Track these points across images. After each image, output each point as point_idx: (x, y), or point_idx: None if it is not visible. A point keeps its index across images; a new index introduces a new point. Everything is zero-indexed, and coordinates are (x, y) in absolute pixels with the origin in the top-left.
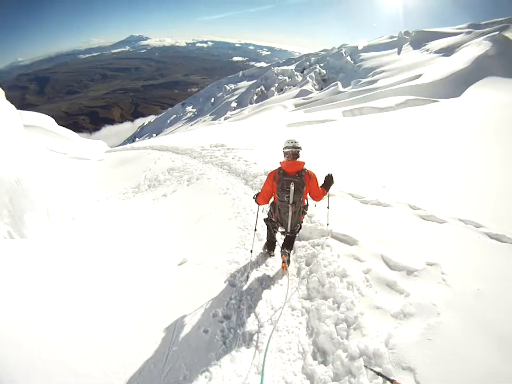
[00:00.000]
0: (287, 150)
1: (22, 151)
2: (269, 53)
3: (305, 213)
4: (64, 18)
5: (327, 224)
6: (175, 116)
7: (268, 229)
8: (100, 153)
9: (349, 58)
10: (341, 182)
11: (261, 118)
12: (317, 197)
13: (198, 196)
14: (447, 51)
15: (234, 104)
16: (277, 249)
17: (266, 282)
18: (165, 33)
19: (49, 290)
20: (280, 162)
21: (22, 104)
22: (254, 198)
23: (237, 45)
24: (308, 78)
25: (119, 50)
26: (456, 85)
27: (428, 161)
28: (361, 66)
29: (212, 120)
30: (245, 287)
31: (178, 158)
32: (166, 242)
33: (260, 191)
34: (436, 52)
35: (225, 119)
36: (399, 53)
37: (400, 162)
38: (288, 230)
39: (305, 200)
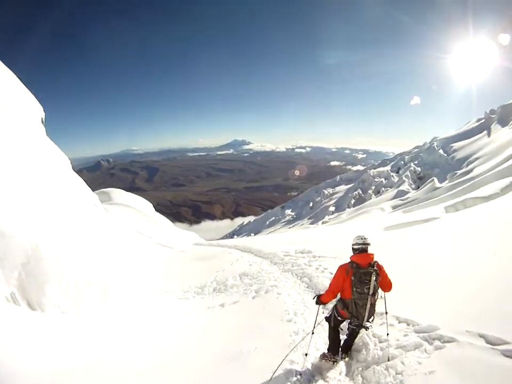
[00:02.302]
0: (357, 246)
1: (62, 221)
2: (364, 155)
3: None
4: (176, 120)
5: (387, 334)
6: (274, 218)
7: (333, 328)
8: (186, 244)
9: (441, 151)
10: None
11: (357, 222)
12: (388, 287)
13: (256, 316)
14: None
15: (332, 209)
16: None
17: None
18: (266, 139)
19: None
20: (351, 256)
21: (131, 187)
22: (314, 298)
23: (333, 149)
24: (403, 178)
25: (224, 152)
26: None
27: None
28: (454, 157)
29: (309, 224)
30: None
31: (258, 262)
32: None
33: (322, 293)
34: None
35: (322, 223)
36: (489, 135)
37: None
38: (364, 322)
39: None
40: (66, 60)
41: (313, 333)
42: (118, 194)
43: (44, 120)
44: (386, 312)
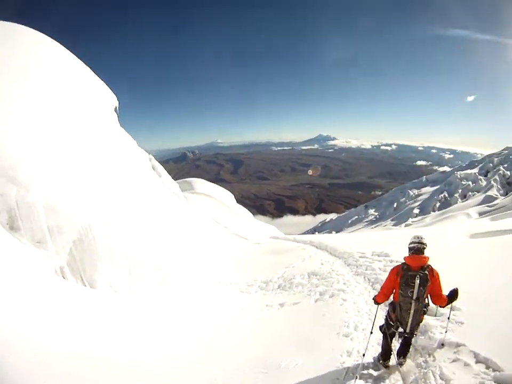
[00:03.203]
0: (412, 245)
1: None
2: (451, 156)
3: (425, 312)
4: (261, 114)
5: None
6: (356, 216)
7: (384, 336)
8: (263, 237)
9: None
10: None
11: (441, 227)
12: (437, 299)
13: (311, 323)
14: None
15: (416, 211)
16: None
17: None
18: (351, 135)
19: None
20: (404, 257)
21: (216, 178)
22: (373, 298)
23: (419, 148)
24: (492, 182)
25: (308, 147)
26: None
27: None
28: None
29: (392, 226)
30: None
31: (331, 261)
32: None
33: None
34: None
35: (405, 225)
36: None
37: None
38: (408, 330)
39: (426, 299)
40: (153, 49)
41: (371, 333)
42: (200, 184)
43: (117, 108)
44: (446, 332)
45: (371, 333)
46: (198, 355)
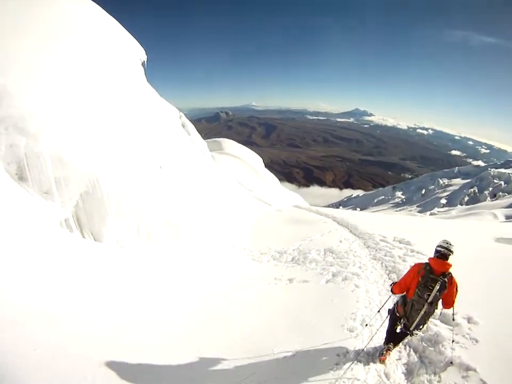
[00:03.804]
0: (439, 249)
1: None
2: (488, 151)
3: (432, 315)
4: (300, 81)
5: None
6: (383, 197)
7: (390, 319)
8: (287, 205)
9: None
10: None
11: (467, 223)
12: (449, 304)
13: (316, 309)
14: None
15: (443, 201)
16: None
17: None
18: (388, 113)
19: None
20: (429, 258)
21: (247, 141)
22: (390, 285)
23: (456, 137)
24: None
25: (344, 120)
26: None
27: None
28: None
29: (417, 212)
30: None
31: (350, 239)
32: None
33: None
34: None
35: (430, 214)
36: None
37: None
38: (412, 328)
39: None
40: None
41: (379, 311)
42: (229, 145)
43: (145, 62)
44: (453, 341)
45: (378, 311)
46: (188, 326)
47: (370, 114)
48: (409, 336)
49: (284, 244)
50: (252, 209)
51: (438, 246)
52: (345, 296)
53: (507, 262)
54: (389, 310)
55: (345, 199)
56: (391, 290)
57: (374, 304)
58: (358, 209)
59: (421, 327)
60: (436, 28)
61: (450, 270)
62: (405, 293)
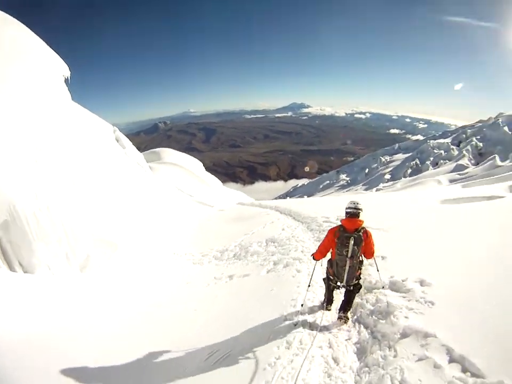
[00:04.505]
0: (349, 210)
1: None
2: (425, 125)
3: (361, 269)
4: (234, 82)
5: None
6: (328, 181)
7: (327, 287)
8: (230, 204)
9: (506, 128)
10: None
11: (412, 192)
12: (369, 255)
13: (256, 300)
14: None
15: (388, 176)
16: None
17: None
18: (325, 103)
19: None
20: (341, 220)
21: (188, 147)
22: (312, 255)
23: (394, 117)
24: (464, 152)
25: (282, 115)
26: None
27: None
28: None
29: (363, 190)
30: None
31: (293, 226)
32: None
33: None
34: None
35: (377, 190)
36: None
37: None
38: (344, 283)
39: (361, 257)
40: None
41: (309, 286)
42: (168, 154)
43: (69, 79)
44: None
45: (308, 286)
46: (112, 346)
47: (308, 106)
48: (353, 295)
49: (226, 242)
50: (194, 214)
51: (346, 208)
52: (286, 282)
53: (454, 220)
54: (323, 279)
55: (291, 190)
56: (313, 258)
57: (317, 286)
58: (305, 196)
59: (354, 280)
60: (359, 16)
61: (364, 225)
62: (330, 257)
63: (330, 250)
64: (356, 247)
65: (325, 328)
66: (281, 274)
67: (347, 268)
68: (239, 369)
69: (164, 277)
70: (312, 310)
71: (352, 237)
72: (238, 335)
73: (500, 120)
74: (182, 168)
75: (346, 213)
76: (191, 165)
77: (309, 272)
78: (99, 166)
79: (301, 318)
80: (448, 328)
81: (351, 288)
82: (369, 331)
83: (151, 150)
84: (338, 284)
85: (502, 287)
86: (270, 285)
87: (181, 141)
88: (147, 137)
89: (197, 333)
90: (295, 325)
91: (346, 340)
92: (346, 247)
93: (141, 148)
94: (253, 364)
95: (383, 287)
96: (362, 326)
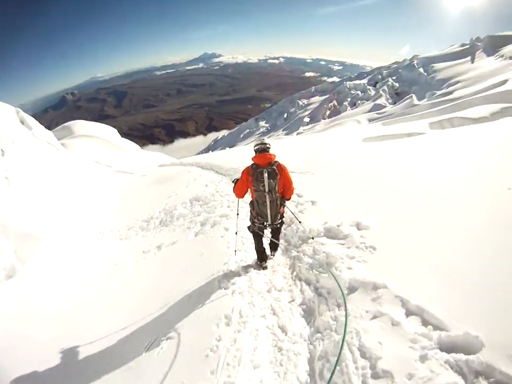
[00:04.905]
0: (257, 147)
1: None
2: (340, 67)
3: (284, 205)
4: (140, 38)
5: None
6: (248, 130)
7: (254, 236)
8: (151, 167)
9: (421, 70)
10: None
11: (333, 133)
12: (289, 190)
13: (186, 270)
14: None
15: (307, 119)
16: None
17: None
18: (237, 50)
19: None
20: (252, 158)
21: (100, 115)
22: (233, 186)
23: (308, 60)
24: (380, 92)
25: (193, 67)
26: None
27: None
28: (434, 77)
29: (284, 135)
30: None
31: (216, 181)
32: None
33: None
34: None
35: (297, 134)
36: (472, 61)
37: None
38: (270, 221)
39: (280, 192)
40: None
41: (236, 233)
42: (80, 126)
43: None
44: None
45: (236, 233)
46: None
47: (219, 55)
48: (280, 232)
49: (150, 209)
50: (115, 185)
51: (254, 147)
52: (215, 244)
53: (377, 157)
54: (248, 227)
55: (212, 143)
56: (234, 192)
57: (248, 243)
58: (227, 148)
59: (279, 217)
60: None
61: (276, 160)
62: (250, 199)
63: (249, 191)
64: (271, 180)
65: (264, 291)
66: (210, 236)
67: (268, 203)
68: (178, 362)
69: (91, 262)
70: (246, 271)
71: (265, 170)
72: (173, 316)
73: (415, 62)
74: (96, 138)
75: (255, 150)
76: (106, 133)
77: (239, 229)
78: (4, 154)
79: (236, 285)
80: (397, 276)
81: (277, 226)
82: (312, 288)
83: (62, 125)
84: (265, 224)
85: (445, 223)
86: (200, 249)
87: (92, 110)
88: (56, 113)
89: (127, 320)
90: (231, 293)
91: (289, 302)
92: (262, 182)
93: (52, 125)
94: (194, 352)
95: (313, 238)
96: (304, 283)
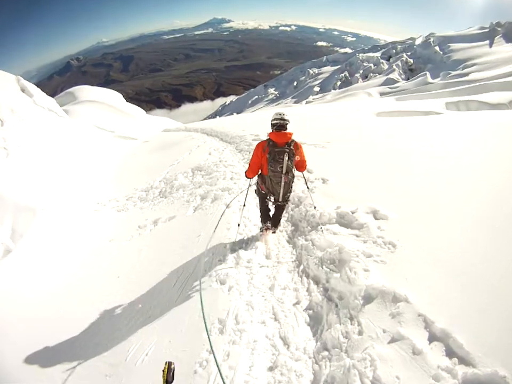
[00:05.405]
0: (275, 121)
1: None
2: (354, 39)
3: (293, 182)
4: (148, 2)
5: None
6: (256, 96)
7: (260, 200)
8: (155, 132)
9: (437, 48)
10: None
11: (344, 104)
12: (302, 167)
13: (181, 254)
14: None
15: (317, 89)
16: None
17: None
18: (248, 16)
19: None
20: (269, 133)
21: (106, 80)
22: (245, 173)
23: (321, 30)
24: (394, 67)
25: (202, 32)
26: None
27: None
28: (450, 57)
29: (293, 103)
30: None
31: (220, 149)
32: None
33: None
34: None
35: (306, 103)
36: (490, 45)
37: None
38: (280, 199)
39: (293, 170)
40: None
41: (244, 205)
42: (83, 91)
43: None
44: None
45: (244, 205)
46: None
47: (229, 21)
48: (284, 209)
49: (151, 177)
50: (116, 151)
51: (272, 120)
52: (215, 224)
53: (393, 134)
54: (255, 191)
55: (219, 108)
56: (246, 176)
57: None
58: (235, 114)
59: (289, 194)
60: None
61: (293, 138)
62: (260, 172)
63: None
64: (289, 162)
65: (266, 288)
66: (209, 213)
67: (282, 183)
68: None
69: (86, 237)
70: (247, 259)
71: (285, 152)
72: (160, 317)
73: (431, 40)
74: (101, 104)
75: (273, 125)
76: (111, 98)
77: (241, 207)
78: (3, 123)
79: (234, 279)
80: (420, 285)
81: (285, 202)
82: (321, 289)
83: (66, 91)
84: (272, 199)
85: (477, 217)
86: (198, 228)
87: (98, 75)
88: (61, 79)
89: (117, 312)
90: (228, 290)
91: (294, 304)
92: (281, 163)
93: (57, 91)
94: (181, 364)
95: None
96: (311, 281)
